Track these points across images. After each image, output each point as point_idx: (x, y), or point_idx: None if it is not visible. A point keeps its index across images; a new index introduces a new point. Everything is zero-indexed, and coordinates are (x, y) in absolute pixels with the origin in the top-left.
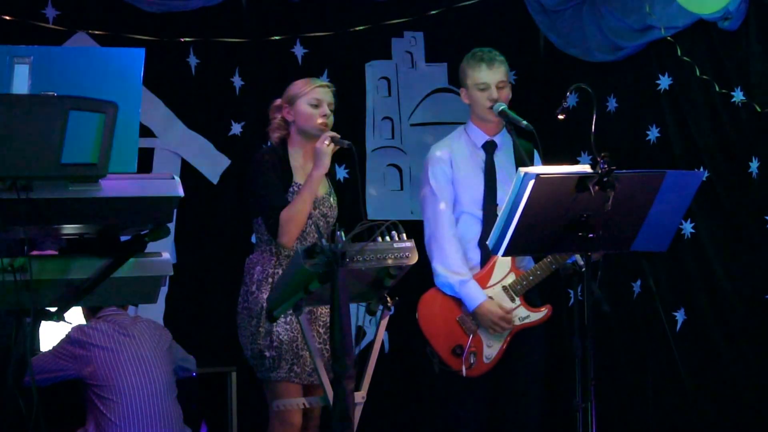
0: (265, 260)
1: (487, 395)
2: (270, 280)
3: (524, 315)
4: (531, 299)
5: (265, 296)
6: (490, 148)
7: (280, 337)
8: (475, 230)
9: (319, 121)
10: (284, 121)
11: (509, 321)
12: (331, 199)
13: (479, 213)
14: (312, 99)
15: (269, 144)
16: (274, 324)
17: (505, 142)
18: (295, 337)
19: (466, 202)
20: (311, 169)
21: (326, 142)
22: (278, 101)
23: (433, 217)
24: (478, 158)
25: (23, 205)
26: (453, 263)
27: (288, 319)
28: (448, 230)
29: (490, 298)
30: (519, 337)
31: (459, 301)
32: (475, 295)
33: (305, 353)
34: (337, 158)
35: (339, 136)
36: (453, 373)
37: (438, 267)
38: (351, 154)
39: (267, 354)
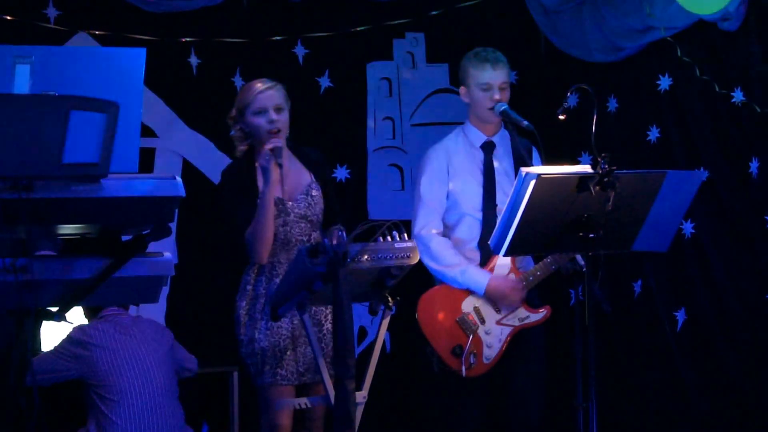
0: (249, 270)
1: (488, 395)
2: (248, 288)
3: (524, 315)
4: (530, 300)
5: (243, 304)
6: (488, 148)
7: (261, 344)
8: (475, 232)
9: (267, 129)
10: (243, 131)
11: (520, 289)
12: (308, 197)
13: (479, 214)
14: (256, 108)
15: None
16: (255, 331)
17: (503, 141)
18: (276, 342)
19: (466, 204)
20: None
21: (266, 157)
22: (233, 112)
23: (415, 220)
24: (476, 159)
25: (25, 205)
26: (445, 258)
27: (268, 324)
28: (429, 230)
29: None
30: (518, 338)
31: (459, 302)
32: (478, 280)
33: (289, 355)
34: (338, 158)
35: (280, 145)
36: (453, 374)
37: (435, 267)
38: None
39: (249, 361)
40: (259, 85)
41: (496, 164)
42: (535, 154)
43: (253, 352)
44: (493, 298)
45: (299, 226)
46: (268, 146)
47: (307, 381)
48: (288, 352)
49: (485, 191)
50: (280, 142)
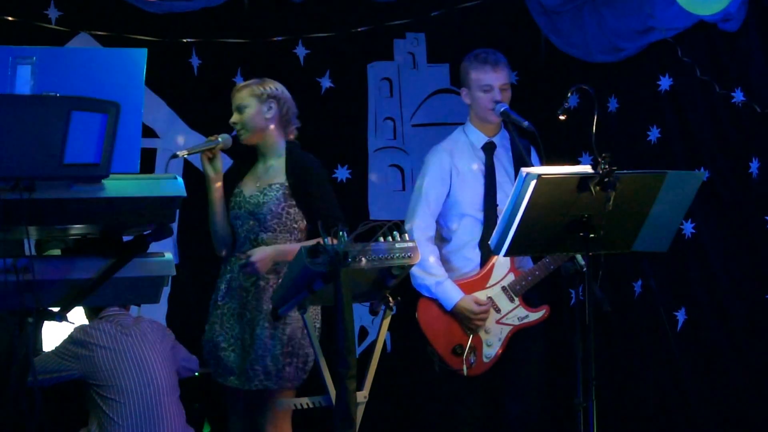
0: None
1: (487, 394)
2: (217, 283)
3: (523, 315)
4: (529, 299)
5: (210, 302)
6: (489, 149)
7: (204, 338)
8: (475, 232)
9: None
10: None
11: (484, 317)
12: (261, 195)
13: (480, 215)
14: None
15: None
16: (207, 325)
17: (504, 142)
18: (210, 339)
19: (467, 204)
20: None
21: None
22: None
23: (411, 218)
24: (477, 160)
25: (26, 206)
26: (428, 265)
27: (211, 320)
28: (422, 233)
29: (487, 296)
30: (518, 337)
31: None
32: (450, 295)
33: (224, 354)
34: (339, 158)
35: (213, 139)
36: (453, 373)
37: (414, 269)
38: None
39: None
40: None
41: (497, 165)
42: (534, 155)
43: (202, 347)
44: (458, 317)
45: (248, 223)
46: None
47: (239, 386)
48: (225, 351)
49: (486, 192)
50: (220, 138)
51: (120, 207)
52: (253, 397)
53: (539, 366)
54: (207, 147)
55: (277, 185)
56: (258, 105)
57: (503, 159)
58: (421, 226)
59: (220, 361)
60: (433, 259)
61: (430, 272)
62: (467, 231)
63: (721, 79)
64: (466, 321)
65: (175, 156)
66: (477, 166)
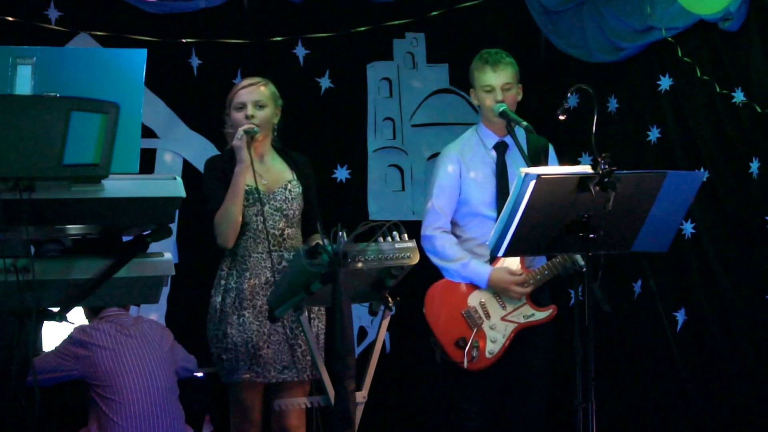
0: (222, 264)
1: (492, 391)
2: (222, 282)
3: (529, 313)
4: (538, 298)
5: (217, 300)
6: (501, 148)
7: (234, 339)
8: (486, 230)
9: (243, 123)
10: (232, 127)
11: (523, 283)
12: (286, 191)
13: (492, 213)
14: (237, 104)
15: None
16: (228, 326)
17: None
18: (249, 338)
19: (478, 203)
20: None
21: (238, 136)
22: (226, 109)
23: (425, 218)
24: (489, 159)
25: (26, 206)
26: (448, 253)
27: (241, 320)
28: (434, 229)
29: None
30: (523, 335)
31: (465, 295)
32: (480, 272)
33: (264, 352)
34: (338, 158)
35: (254, 126)
36: (456, 368)
37: (439, 262)
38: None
39: (224, 357)
40: (245, 81)
41: (509, 164)
42: (552, 154)
43: (226, 348)
44: (496, 290)
45: (273, 218)
46: (241, 128)
47: (284, 378)
48: (263, 349)
49: (498, 191)
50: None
51: (120, 207)
52: (278, 391)
53: (544, 365)
54: (254, 130)
55: (295, 182)
56: (274, 108)
57: (515, 158)
58: (432, 224)
59: (261, 359)
60: (450, 247)
61: (453, 258)
62: (479, 230)
63: (721, 78)
64: (503, 292)
65: (246, 131)
66: (488, 166)
